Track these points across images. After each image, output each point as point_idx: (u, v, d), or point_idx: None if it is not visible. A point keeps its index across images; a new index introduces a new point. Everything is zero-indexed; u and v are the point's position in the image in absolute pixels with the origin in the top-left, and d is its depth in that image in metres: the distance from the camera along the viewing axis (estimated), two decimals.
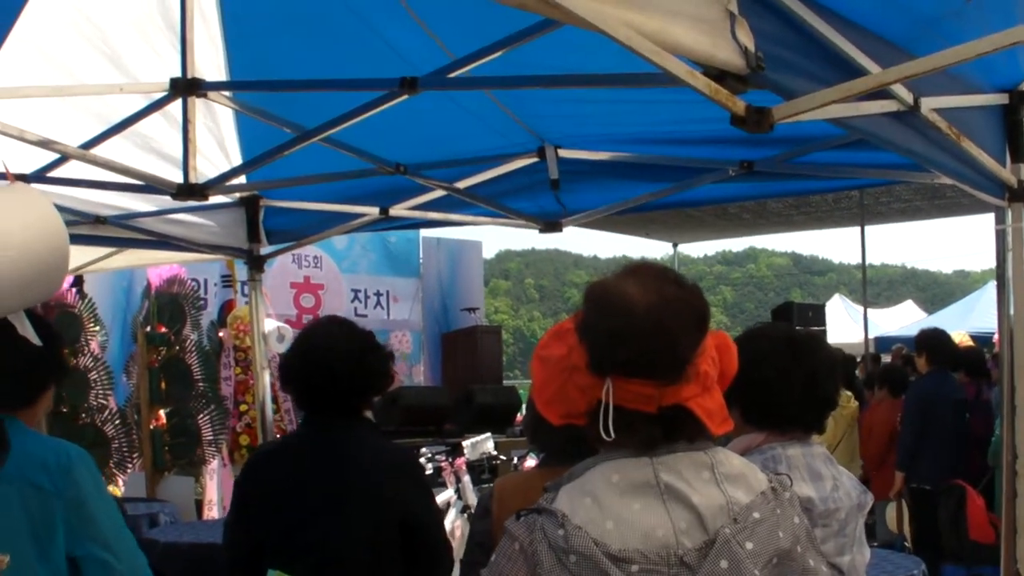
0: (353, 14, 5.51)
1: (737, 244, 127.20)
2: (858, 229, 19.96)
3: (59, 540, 3.76)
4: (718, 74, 3.06)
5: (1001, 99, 4.98)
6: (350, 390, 4.65)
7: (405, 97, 4.96)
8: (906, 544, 11.47)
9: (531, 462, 11.47)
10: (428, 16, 5.31)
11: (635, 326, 2.49)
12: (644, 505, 2.48)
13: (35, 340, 3.47)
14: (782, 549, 2.49)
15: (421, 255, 23.25)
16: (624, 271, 2.64)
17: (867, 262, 20.99)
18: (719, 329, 2.72)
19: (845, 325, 29.96)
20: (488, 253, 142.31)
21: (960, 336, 20.27)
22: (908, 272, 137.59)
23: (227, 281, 15.97)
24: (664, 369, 2.48)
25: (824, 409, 3.84)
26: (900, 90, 3.75)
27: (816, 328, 23.20)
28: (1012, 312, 5.10)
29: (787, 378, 3.61)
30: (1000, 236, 5.19)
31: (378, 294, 22.26)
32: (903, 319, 33.74)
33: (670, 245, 25.69)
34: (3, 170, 3.61)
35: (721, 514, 2.49)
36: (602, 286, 2.62)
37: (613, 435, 2.49)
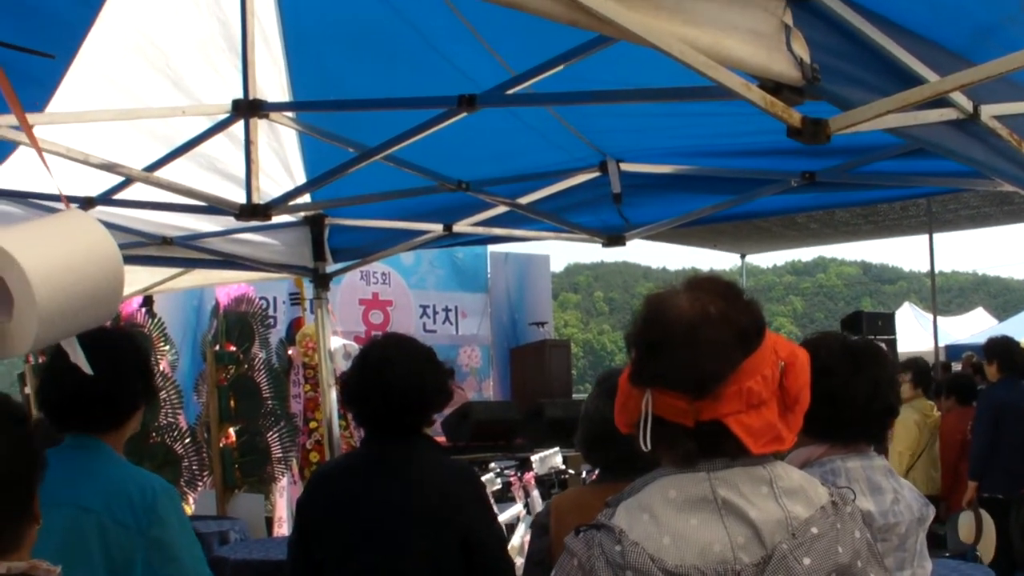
0: (414, 31, 5.54)
1: (806, 254, 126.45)
2: (927, 236, 19.83)
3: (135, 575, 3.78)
4: (774, 86, 3.06)
5: None
6: (405, 408, 4.64)
7: (464, 114, 4.99)
8: (977, 554, 11.35)
9: None
10: (488, 32, 5.32)
11: (669, 339, 2.52)
12: (701, 520, 2.48)
13: (86, 369, 3.49)
14: (841, 564, 2.48)
15: (489, 270, 23.31)
16: (683, 284, 2.66)
17: (937, 269, 20.82)
18: (795, 344, 2.70)
19: (915, 333, 29.73)
20: (556, 266, 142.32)
21: None
22: (979, 279, 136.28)
23: (295, 299, 16.07)
24: (695, 383, 2.49)
25: (886, 419, 3.82)
26: (959, 98, 3.73)
27: (886, 337, 23.07)
28: None
29: (849, 389, 3.58)
30: None
31: (447, 310, 22.33)
32: (974, 327, 33.42)
33: (738, 256, 25.60)
34: (59, 195, 3.65)
35: (779, 529, 2.48)
36: (654, 298, 2.66)
37: (650, 446, 2.52)
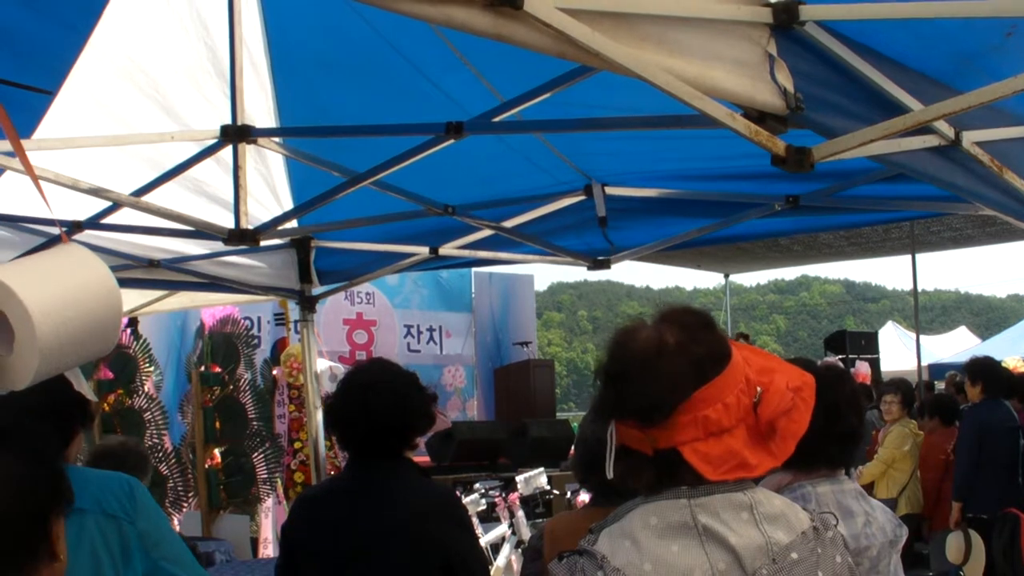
0: (402, 58, 5.56)
1: (789, 273, 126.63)
2: (909, 256, 19.90)
3: (135, 564, 3.84)
4: (758, 115, 3.10)
5: None
6: (388, 431, 4.68)
7: (452, 141, 5.03)
8: (961, 574, 11.39)
9: (584, 497, 11.47)
10: (476, 59, 5.36)
11: (626, 371, 2.59)
12: (682, 547, 2.51)
13: (91, 396, 3.54)
14: None
15: (473, 290, 23.36)
16: (654, 315, 2.70)
17: (920, 288, 20.87)
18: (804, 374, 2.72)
19: (898, 352, 29.77)
20: (540, 286, 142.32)
21: (1015, 361, 20.16)
22: (962, 297, 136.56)
23: (280, 319, 16.09)
24: (643, 412, 2.54)
25: (847, 443, 3.83)
26: (941, 125, 3.77)
27: (869, 356, 23.16)
28: None
29: None
30: None
31: (431, 329, 22.37)
32: (957, 345, 33.45)
33: (722, 276, 25.64)
34: (46, 219, 3.69)
35: (760, 555, 2.50)
36: (619, 331, 2.72)
37: (613, 474, 2.58)
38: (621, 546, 2.54)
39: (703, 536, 2.51)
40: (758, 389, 2.60)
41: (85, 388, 3.51)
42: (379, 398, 4.64)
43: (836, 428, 3.70)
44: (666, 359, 2.55)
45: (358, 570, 4.55)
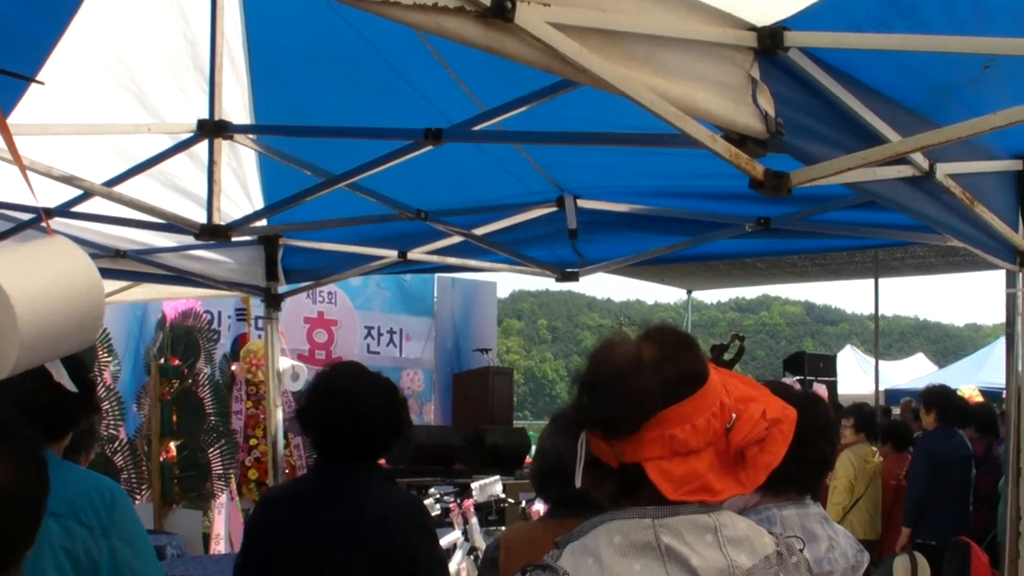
0: (383, 60, 5.55)
1: (751, 292, 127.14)
2: (872, 281, 19.99)
3: None
4: (738, 138, 3.13)
5: (1014, 165, 5.05)
6: (375, 437, 4.70)
7: (430, 147, 5.04)
8: None
9: (539, 506, 11.49)
10: (457, 65, 5.35)
11: (599, 383, 2.62)
12: (644, 566, 2.51)
13: (71, 387, 3.52)
14: None
15: (436, 294, 23.34)
16: (643, 331, 2.71)
17: (880, 312, 20.98)
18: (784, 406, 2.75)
19: (856, 376, 29.91)
20: (502, 292, 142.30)
21: (970, 390, 20.27)
22: (920, 324, 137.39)
23: (241, 315, 16.05)
24: (608, 425, 2.57)
25: (818, 469, 3.86)
26: (916, 156, 3.82)
27: (827, 379, 23.24)
28: (1020, 374, 5.16)
29: None
30: (1011, 300, 5.25)
31: (391, 332, 22.33)
32: (914, 372, 33.63)
33: (684, 292, 25.69)
34: (43, 224, 3.67)
35: None
36: (599, 343, 2.75)
37: (580, 483, 2.61)
38: (584, 563, 2.54)
39: (665, 557, 2.52)
40: (733, 415, 2.61)
41: (66, 380, 3.50)
42: (365, 406, 4.66)
43: (808, 454, 3.68)
44: (638, 374, 2.56)
45: (320, 574, 4.55)
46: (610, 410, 2.55)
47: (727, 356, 20.80)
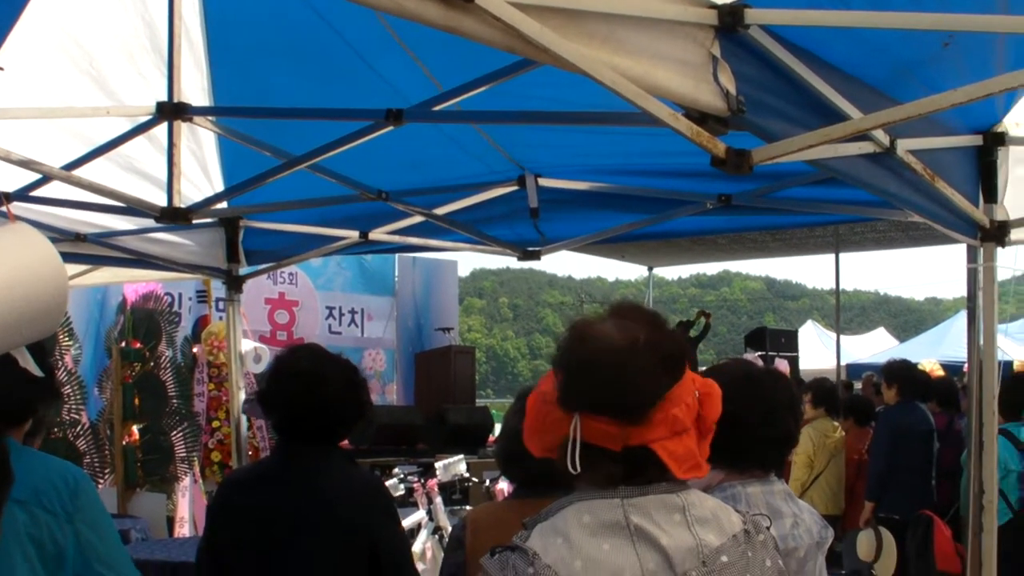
0: (341, 41, 5.52)
1: (711, 268, 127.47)
2: (832, 256, 20.04)
3: (68, 565, 3.79)
4: (699, 116, 3.12)
5: (975, 140, 5.06)
6: (336, 420, 4.70)
7: (391, 128, 5.02)
8: (874, 573, 11.51)
9: (503, 485, 11.48)
10: (416, 45, 5.33)
11: (602, 366, 2.56)
12: (613, 546, 2.52)
13: (36, 372, 3.50)
14: None
15: (396, 274, 23.26)
16: (609, 310, 2.70)
17: (840, 287, 21.06)
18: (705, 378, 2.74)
19: (817, 351, 29.97)
20: (463, 271, 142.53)
21: (931, 364, 20.39)
22: (881, 299, 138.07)
23: (202, 297, 15.98)
24: (627, 409, 2.54)
25: (783, 446, 3.86)
26: (877, 133, 3.82)
27: (788, 354, 23.33)
28: (981, 348, 5.19)
29: (743, 415, 3.55)
30: (971, 275, 5.28)
31: (353, 312, 22.26)
32: (875, 346, 33.75)
33: (645, 268, 25.70)
34: (4, 209, 3.65)
35: (690, 556, 2.53)
36: (582, 324, 2.70)
37: (579, 469, 2.55)
38: (553, 543, 2.54)
39: (635, 536, 2.53)
40: (697, 392, 2.62)
41: (31, 365, 3.47)
42: (326, 388, 4.65)
43: (773, 432, 3.70)
44: (641, 355, 2.55)
45: (283, 556, 4.56)
46: (626, 394, 2.53)
47: (692, 333, 20.90)
